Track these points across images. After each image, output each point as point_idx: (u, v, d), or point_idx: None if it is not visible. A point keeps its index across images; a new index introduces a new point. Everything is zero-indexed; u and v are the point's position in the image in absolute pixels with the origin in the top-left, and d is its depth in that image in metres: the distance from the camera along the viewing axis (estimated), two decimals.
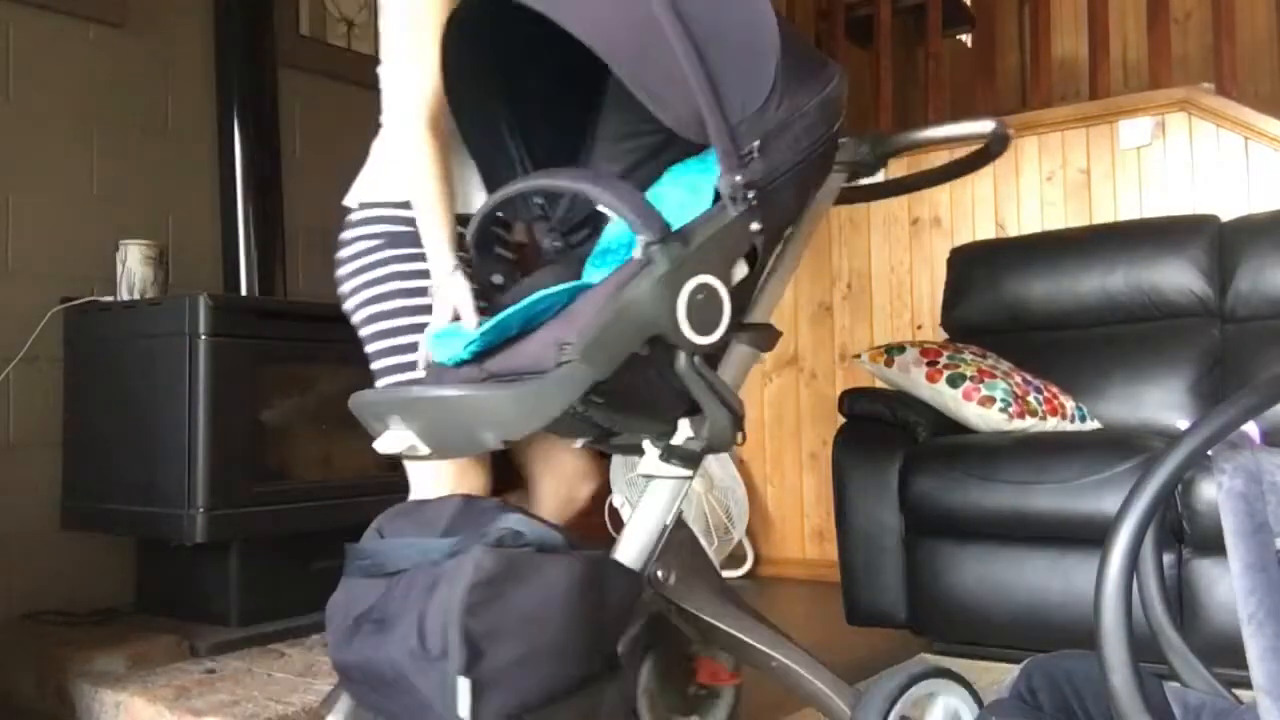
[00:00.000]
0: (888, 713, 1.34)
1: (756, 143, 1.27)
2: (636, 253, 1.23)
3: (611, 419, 1.31)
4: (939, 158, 2.99)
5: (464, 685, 1.07)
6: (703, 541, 1.41)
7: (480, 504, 1.30)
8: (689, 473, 1.34)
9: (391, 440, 1.25)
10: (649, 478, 1.36)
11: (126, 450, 2.38)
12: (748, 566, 3.69)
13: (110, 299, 2.51)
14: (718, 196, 1.28)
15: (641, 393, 1.27)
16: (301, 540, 2.49)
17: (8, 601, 2.40)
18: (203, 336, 2.27)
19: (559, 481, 1.68)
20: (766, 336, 1.44)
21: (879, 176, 1.68)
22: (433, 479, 1.55)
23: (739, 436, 1.36)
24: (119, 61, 2.73)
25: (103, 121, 2.68)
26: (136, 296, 2.48)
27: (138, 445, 2.36)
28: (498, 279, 1.46)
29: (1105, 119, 3.30)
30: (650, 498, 1.35)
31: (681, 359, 1.25)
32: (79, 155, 2.63)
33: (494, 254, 1.52)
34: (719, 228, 1.26)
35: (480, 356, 1.28)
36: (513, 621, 1.11)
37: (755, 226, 1.27)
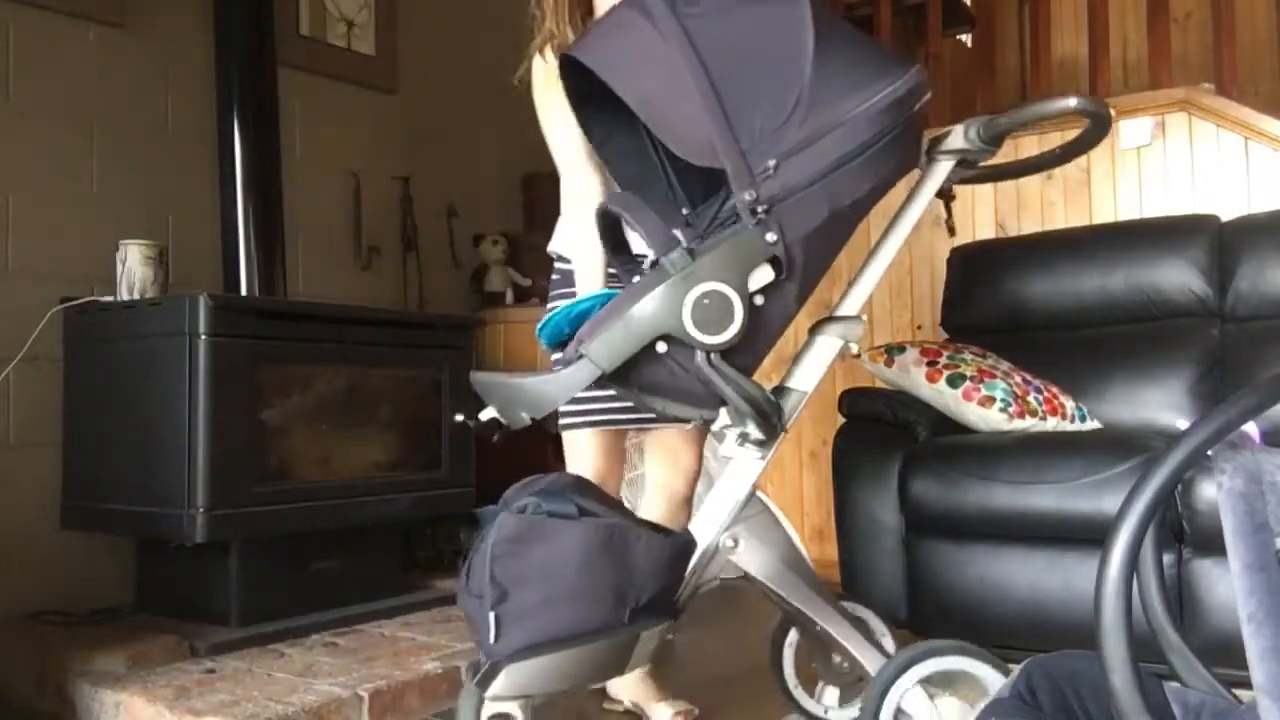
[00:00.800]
0: (896, 678, 1.51)
1: (773, 162, 1.40)
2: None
3: (659, 405, 1.50)
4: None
5: (492, 618, 1.34)
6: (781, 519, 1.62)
7: (561, 479, 1.51)
8: (760, 454, 1.54)
9: (486, 413, 1.49)
10: (728, 459, 1.58)
11: (126, 450, 2.39)
12: None
13: (110, 299, 2.51)
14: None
15: (669, 384, 1.44)
16: (301, 540, 2.49)
17: (8, 601, 2.40)
18: (203, 336, 2.27)
19: (665, 455, 2.09)
20: (854, 326, 1.60)
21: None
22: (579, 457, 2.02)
23: (776, 426, 1.51)
24: (119, 61, 2.73)
25: (103, 121, 2.68)
26: (136, 296, 2.48)
27: (138, 445, 2.36)
28: (637, 280, 1.63)
29: None
30: (727, 477, 1.56)
31: (698, 356, 1.40)
32: (79, 155, 2.64)
33: (636, 261, 1.70)
34: (732, 240, 1.41)
35: (560, 348, 1.52)
36: (533, 571, 1.36)
37: (771, 238, 1.40)
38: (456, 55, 3.73)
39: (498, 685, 1.34)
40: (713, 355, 1.40)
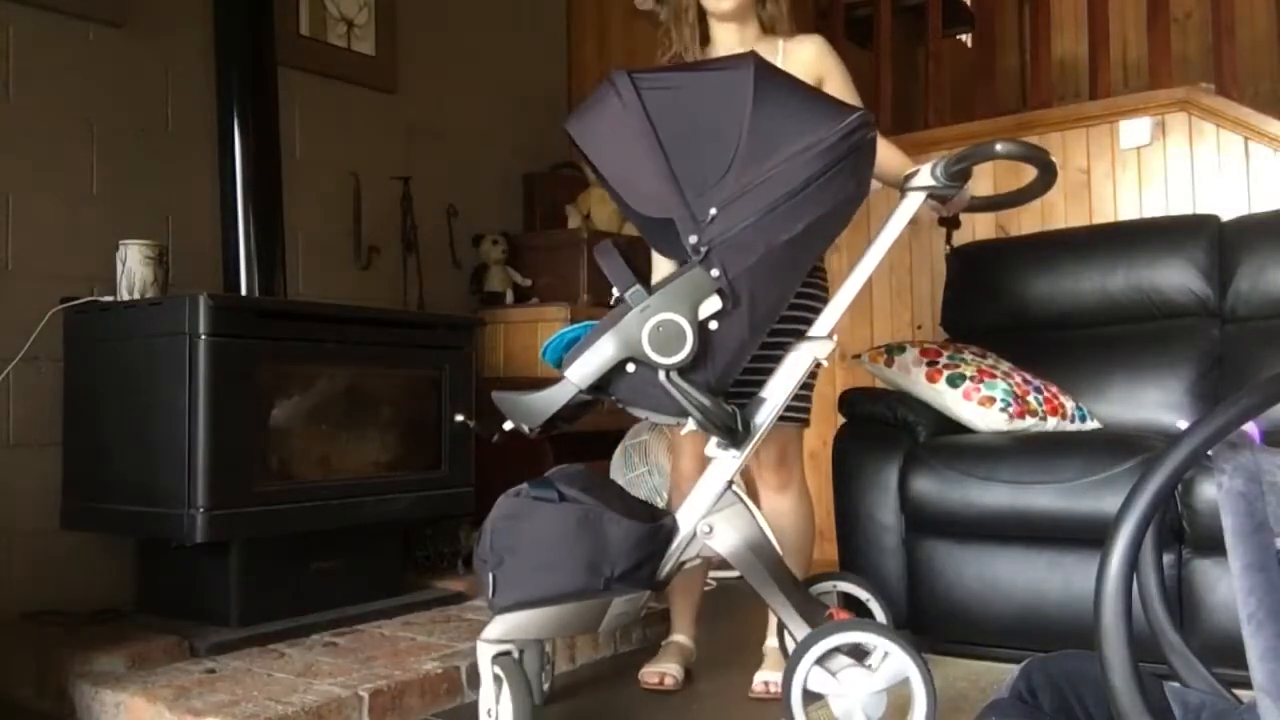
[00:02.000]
0: (797, 662, 1.69)
1: (714, 210, 1.63)
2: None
3: (641, 413, 1.77)
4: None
5: (490, 579, 1.70)
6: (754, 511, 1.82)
7: (564, 470, 1.81)
8: (735, 454, 1.77)
9: (508, 424, 1.74)
10: (710, 458, 1.81)
11: (126, 450, 2.38)
12: None
13: (110, 299, 2.51)
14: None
15: (641, 396, 1.69)
16: (301, 540, 2.49)
17: (8, 601, 2.40)
18: (203, 336, 2.27)
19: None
20: (823, 345, 1.82)
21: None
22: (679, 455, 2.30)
23: (735, 432, 1.73)
24: (119, 61, 2.73)
25: (103, 121, 2.68)
26: (136, 296, 2.48)
27: (138, 445, 2.36)
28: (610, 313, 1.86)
29: (1105, 119, 3.31)
30: (709, 473, 1.80)
31: (660, 374, 1.65)
32: (79, 155, 2.63)
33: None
34: (681, 277, 1.66)
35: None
36: (523, 543, 1.70)
37: (715, 273, 1.64)
38: (456, 55, 3.73)
39: (490, 631, 1.69)
40: (671, 373, 1.64)
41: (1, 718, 2.14)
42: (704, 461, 2.24)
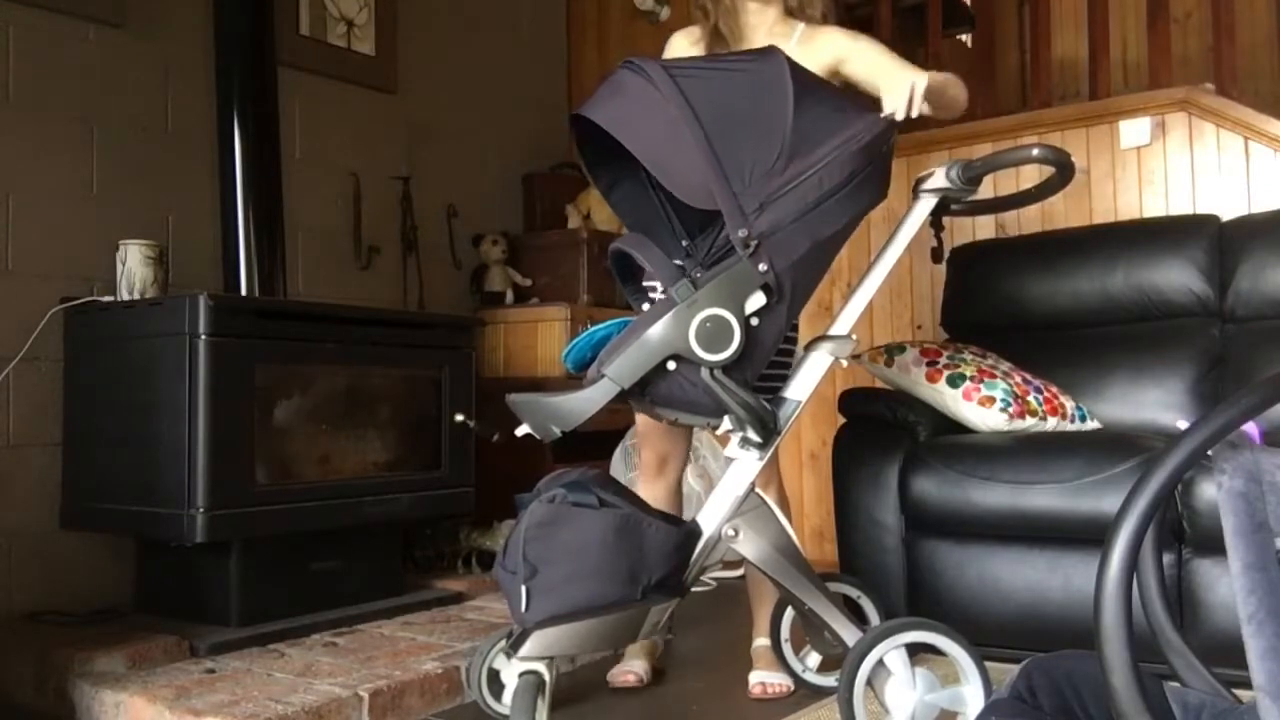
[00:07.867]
0: (870, 649, 1.69)
1: (761, 203, 1.61)
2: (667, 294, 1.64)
3: (671, 415, 1.71)
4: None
5: (523, 591, 1.58)
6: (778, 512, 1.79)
7: (587, 474, 1.73)
8: (759, 456, 1.75)
9: (521, 429, 1.67)
10: (730, 459, 1.78)
11: (126, 450, 2.39)
12: None
13: (110, 299, 2.51)
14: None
15: (679, 397, 1.64)
16: (301, 540, 2.49)
17: (8, 601, 2.40)
18: (203, 336, 2.27)
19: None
20: (844, 344, 1.82)
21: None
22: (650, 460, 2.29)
23: (772, 430, 1.72)
24: (119, 61, 2.73)
25: (103, 121, 2.68)
26: (136, 296, 2.48)
27: (138, 445, 2.36)
28: (645, 307, 1.81)
29: (1105, 119, 3.30)
30: (730, 475, 1.77)
31: (703, 371, 1.61)
32: (79, 155, 2.64)
33: (643, 289, 1.92)
34: (727, 271, 1.62)
35: (585, 368, 1.71)
36: (559, 552, 1.59)
37: (763, 268, 1.61)
38: (456, 55, 3.73)
39: (527, 647, 1.57)
40: (715, 370, 1.60)
41: (1, 718, 2.14)
42: (680, 449, 2.25)
